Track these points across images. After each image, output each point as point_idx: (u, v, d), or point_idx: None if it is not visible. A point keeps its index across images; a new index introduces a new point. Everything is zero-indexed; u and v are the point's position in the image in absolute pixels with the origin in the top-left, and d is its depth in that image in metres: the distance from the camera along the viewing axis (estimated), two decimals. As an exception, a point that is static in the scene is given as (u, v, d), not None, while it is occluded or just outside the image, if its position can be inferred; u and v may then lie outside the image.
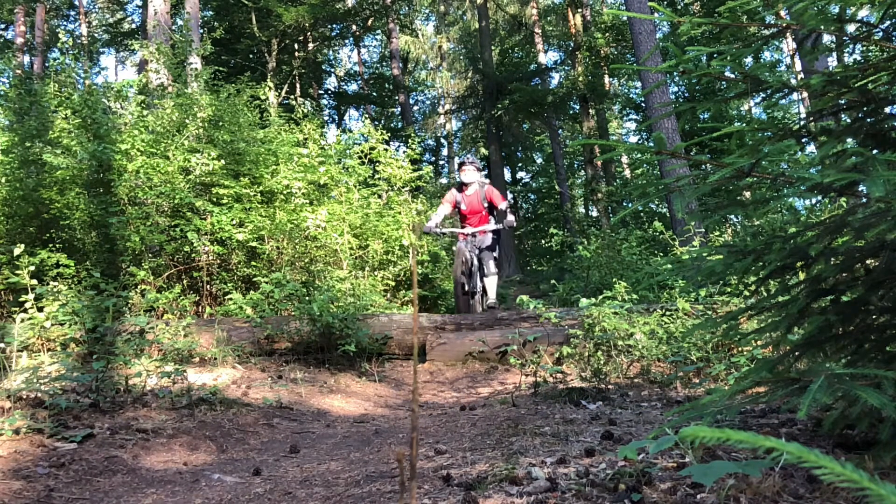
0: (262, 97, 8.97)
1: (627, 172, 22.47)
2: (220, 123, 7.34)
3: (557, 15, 22.68)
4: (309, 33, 17.68)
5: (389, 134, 11.82)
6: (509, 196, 21.99)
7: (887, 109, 2.02)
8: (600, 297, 5.33)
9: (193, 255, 6.54)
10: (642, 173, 20.25)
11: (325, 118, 21.39)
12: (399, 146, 19.00)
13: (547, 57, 22.14)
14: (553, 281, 9.34)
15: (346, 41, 23.26)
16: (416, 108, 26.68)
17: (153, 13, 10.07)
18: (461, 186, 6.79)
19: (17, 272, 4.62)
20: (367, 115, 20.38)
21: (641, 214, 14.48)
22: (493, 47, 20.86)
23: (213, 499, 2.32)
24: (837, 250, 1.98)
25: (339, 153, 9.00)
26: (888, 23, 2.06)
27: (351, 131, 10.18)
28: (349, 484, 2.26)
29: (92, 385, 3.70)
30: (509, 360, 5.27)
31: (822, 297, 2.07)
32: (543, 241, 14.88)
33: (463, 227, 6.85)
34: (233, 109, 7.51)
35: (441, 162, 25.26)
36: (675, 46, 2.13)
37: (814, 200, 6.08)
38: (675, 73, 2.20)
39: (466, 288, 6.62)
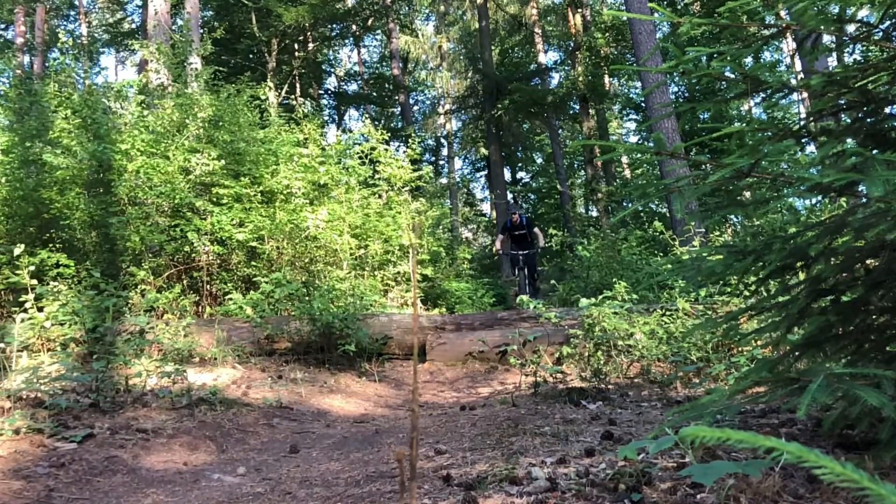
0: (262, 97, 8.97)
1: (627, 172, 22.44)
2: (221, 123, 7.34)
3: (557, 15, 22.65)
4: (309, 33, 17.67)
5: (389, 134, 11.82)
6: (509, 195, 21.96)
7: (887, 109, 2.02)
8: (600, 297, 5.33)
9: (193, 255, 6.54)
10: (642, 173, 20.23)
11: (325, 118, 21.37)
12: (399, 146, 19.00)
13: (547, 57, 22.12)
14: (553, 281, 9.34)
15: (346, 41, 23.22)
16: (416, 108, 26.65)
17: (153, 13, 10.06)
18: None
19: (17, 272, 4.62)
20: (367, 115, 20.36)
21: (641, 214, 14.47)
22: (493, 47, 20.84)
23: (212, 499, 2.32)
24: (837, 250, 1.97)
25: (340, 153, 9.00)
26: (888, 23, 2.06)
27: (351, 131, 10.20)
28: (349, 484, 2.26)
29: (92, 385, 3.70)
30: (509, 360, 5.26)
31: (822, 297, 2.07)
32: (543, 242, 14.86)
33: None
34: (233, 109, 7.51)
35: (441, 162, 25.22)
36: (675, 47, 2.13)
37: (814, 200, 6.08)
38: (675, 74, 2.20)
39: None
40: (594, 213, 20.37)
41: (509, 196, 19.33)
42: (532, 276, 8.98)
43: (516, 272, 9.12)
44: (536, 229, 9.17)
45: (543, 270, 11.84)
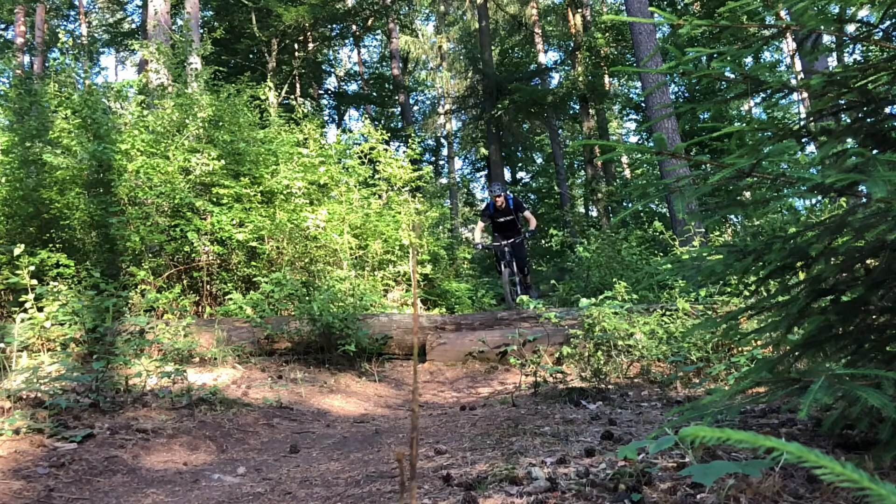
0: (262, 97, 8.98)
1: (627, 172, 22.47)
2: (220, 123, 7.34)
3: (557, 15, 22.66)
4: (309, 33, 17.67)
5: (389, 134, 11.81)
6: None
7: (887, 109, 2.02)
8: (600, 297, 5.33)
9: (193, 255, 6.54)
10: (642, 173, 20.25)
11: (325, 118, 21.38)
12: (399, 146, 19.01)
13: (547, 57, 22.14)
14: (553, 281, 9.33)
15: (346, 41, 23.24)
16: (416, 108, 26.67)
17: (153, 13, 10.06)
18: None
19: (17, 272, 4.62)
20: (367, 115, 20.36)
21: (641, 214, 14.47)
22: (493, 47, 20.85)
23: (212, 499, 2.32)
24: (837, 250, 1.97)
25: (339, 153, 9.01)
26: (888, 23, 2.06)
27: (351, 131, 10.19)
28: (349, 484, 2.26)
29: (92, 385, 3.70)
30: (509, 360, 5.26)
31: (822, 297, 2.07)
32: (543, 241, 14.86)
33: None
34: (233, 109, 7.51)
35: (441, 162, 25.23)
36: (675, 48, 2.13)
37: (814, 200, 6.08)
38: (675, 74, 2.20)
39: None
40: (594, 213, 20.37)
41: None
42: (522, 270, 7.53)
43: (502, 267, 7.46)
44: (527, 212, 7.60)
45: (536, 269, 10.68)
